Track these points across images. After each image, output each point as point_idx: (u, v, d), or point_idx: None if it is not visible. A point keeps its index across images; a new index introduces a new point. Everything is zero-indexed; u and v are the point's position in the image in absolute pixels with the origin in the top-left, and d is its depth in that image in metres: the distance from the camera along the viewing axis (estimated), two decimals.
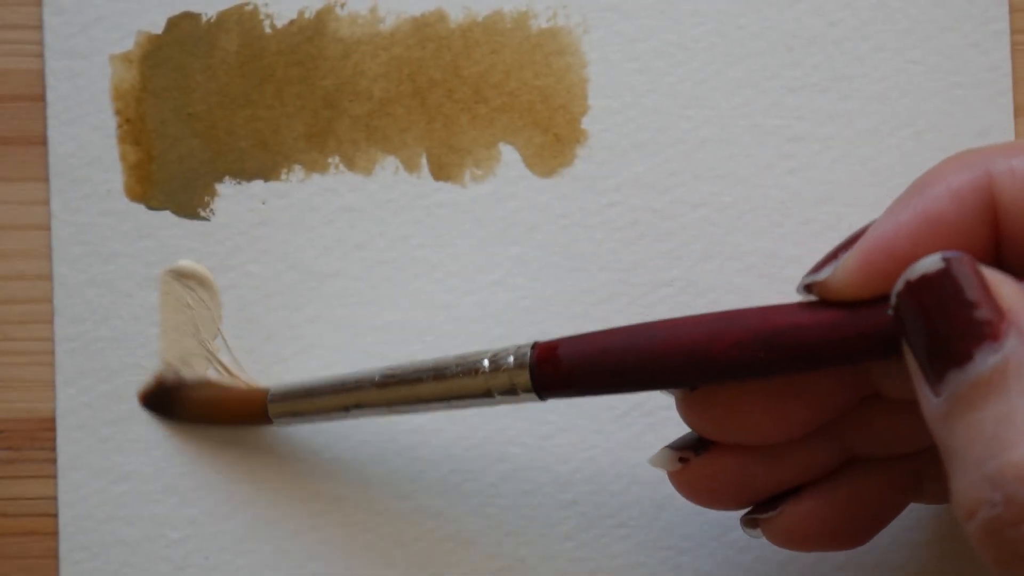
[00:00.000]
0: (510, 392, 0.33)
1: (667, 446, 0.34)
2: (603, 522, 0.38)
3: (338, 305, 0.39)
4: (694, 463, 0.33)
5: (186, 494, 0.38)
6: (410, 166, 0.39)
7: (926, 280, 0.27)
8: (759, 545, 0.38)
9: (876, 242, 0.29)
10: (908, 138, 0.39)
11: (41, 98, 0.39)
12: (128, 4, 0.39)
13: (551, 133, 0.39)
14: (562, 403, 0.38)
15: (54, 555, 0.38)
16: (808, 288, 0.31)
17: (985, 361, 0.26)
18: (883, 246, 0.29)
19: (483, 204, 0.39)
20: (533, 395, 0.32)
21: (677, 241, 0.39)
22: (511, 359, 0.33)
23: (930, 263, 0.27)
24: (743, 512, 0.34)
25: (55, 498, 0.38)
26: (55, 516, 0.38)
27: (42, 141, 0.39)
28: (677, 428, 0.38)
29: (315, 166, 0.39)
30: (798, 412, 0.32)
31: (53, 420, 0.38)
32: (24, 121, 0.39)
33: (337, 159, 0.39)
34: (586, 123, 0.39)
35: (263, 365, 0.38)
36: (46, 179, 0.39)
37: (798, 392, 0.32)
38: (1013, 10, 0.39)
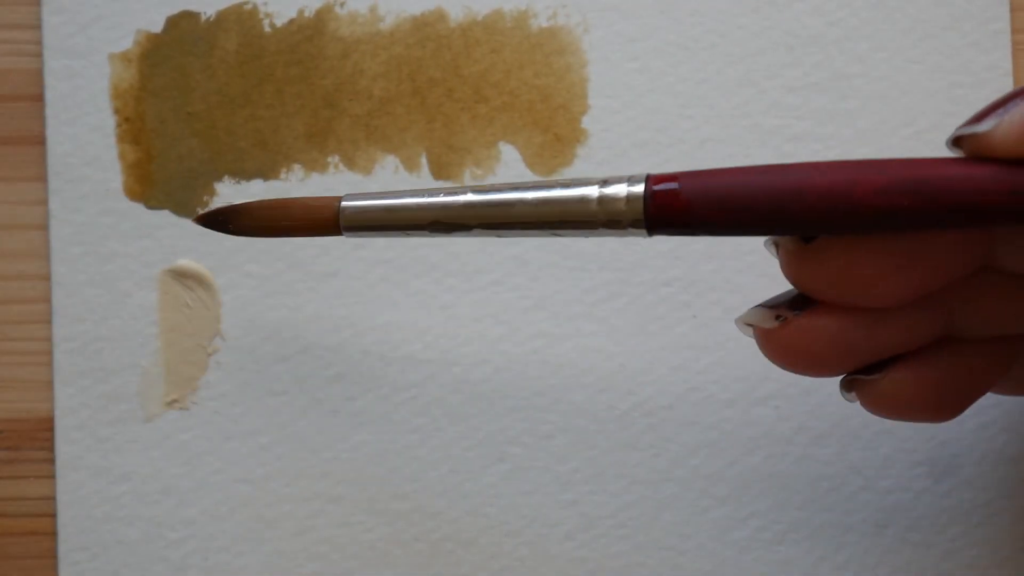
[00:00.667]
0: (616, 223, 0.30)
1: (760, 304, 0.32)
2: (603, 522, 0.38)
3: (338, 305, 0.39)
4: (792, 322, 0.31)
5: (185, 494, 0.38)
6: (410, 165, 0.39)
7: None
8: (759, 545, 0.38)
9: None
10: (908, 138, 0.39)
11: (40, 97, 0.39)
12: (127, 3, 0.39)
13: (551, 132, 0.39)
14: (561, 403, 0.38)
15: (53, 555, 0.38)
16: (958, 142, 0.29)
17: None
18: None
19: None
20: (643, 230, 0.30)
21: (677, 241, 0.39)
22: (624, 186, 0.30)
23: None
24: (840, 378, 0.33)
25: (54, 498, 0.38)
26: (54, 516, 0.38)
27: (41, 141, 0.39)
28: (677, 428, 0.38)
29: (315, 165, 0.39)
30: (915, 275, 0.30)
31: (52, 420, 0.38)
32: (23, 120, 0.39)
33: (337, 158, 0.39)
34: (586, 122, 0.39)
35: (263, 365, 0.38)
36: (45, 179, 0.39)
37: (917, 254, 0.30)
38: (1013, 10, 0.39)
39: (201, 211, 0.37)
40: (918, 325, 0.31)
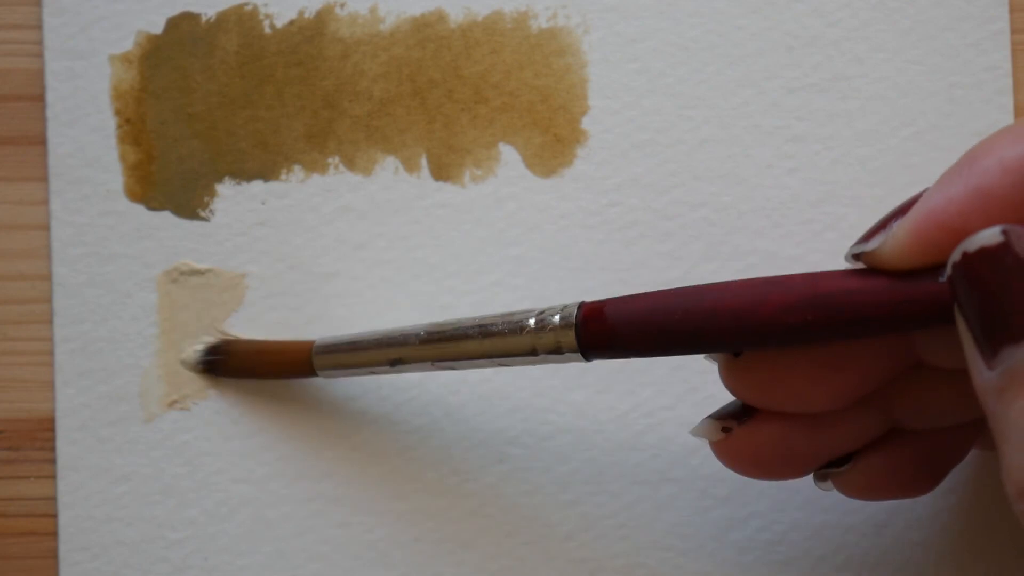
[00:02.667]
0: (555, 351, 0.32)
1: (710, 416, 0.33)
2: (603, 522, 0.38)
3: (338, 305, 0.39)
4: (737, 432, 0.33)
5: (186, 495, 0.38)
6: (410, 166, 0.39)
7: (985, 252, 0.27)
8: (759, 545, 0.38)
9: (928, 214, 0.29)
10: (908, 138, 0.39)
11: (41, 98, 0.39)
12: (128, 4, 0.39)
13: (551, 133, 0.39)
14: (561, 402, 0.38)
15: (54, 555, 0.38)
16: (856, 257, 0.30)
17: None
18: (935, 218, 0.29)
19: (483, 204, 0.39)
20: (578, 355, 0.32)
21: (677, 241, 0.39)
22: (557, 318, 0.32)
23: (989, 235, 0.27)
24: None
25: (55, 498, 0.38)
26: (55, 516, 0.38)
27: (42, 141, 0.39)
28: (677, 428, 0.38)
29: (315, 166, 0.39)
30: (843, 381, 0.31)
31: (52, 420, 0.38)
32: (24, 121, 0.39)
33: (337, 159, 0.39)
34: (586, 123, 0.39)
35: None
36: (45, 179, 0.39)
37: (843, 360, 0.31)
38: (1013, 10, 0.39)
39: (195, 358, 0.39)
40: (859, 426, 0.33)
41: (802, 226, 0.38)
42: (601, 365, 0.38)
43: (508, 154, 0.39)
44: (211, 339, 0.38)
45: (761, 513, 0.38)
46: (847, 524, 0.38)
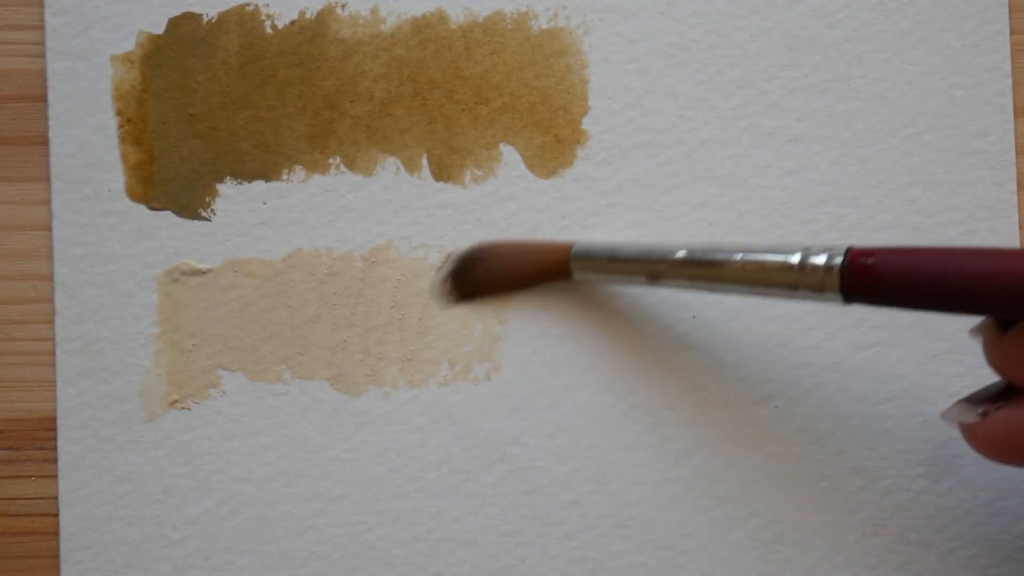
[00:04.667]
0: (815, 290, 0.33)
1: (963, 399, 0.33)
2: (603, 522, 0.38)
3: (338, 305, 0.39)
4: (993, 415, 0.32)
5: (187, 494, 0.38)
6: (411, 167, 0.39)
7: None
8: (759, 545, 0.38)
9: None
10: (908, 138, 0.39)
11: (42, 98, 0.39)
12: (129, 5, 0.39)
13: (552, 134, 0.39)
14: (561, 402, 0.38)
15: (55, 555, 0.38)
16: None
17: None
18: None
19: (483, 204, 0.39)
20: (838, 298, 0.33)
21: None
22: (823, 259, 0.33)
23: None
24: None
25: (56, 498, 0.38)
26: (56, 516, 0.38)
27: (43, 141, 0.39)
28: (677, 429, 0.38)
29: (316, 167, 0.39)
30: None
31: (54, 420, 0.38)
32: (25, 121, 0.39)
33: (338, 159, 0.39)
34: (586, 124, 0.39)
35: (263, 365, 0.39)
36: (47, 179, 0.39)
37: None
38: (1013, 10, 0.39)
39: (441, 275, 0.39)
40: None
41: (802, 226, 0.38)
42: (597, 365, 0.38)
43: (509, 154, 0.39)
44: (460, 249, 0.38)
45: (761, 513, 0.38)
46: (847, 524, 0.38)
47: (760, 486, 0.38)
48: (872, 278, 0.32)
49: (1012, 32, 0.39)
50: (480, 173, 0.39)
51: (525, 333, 0.39)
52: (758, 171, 0.39)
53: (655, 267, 0.36)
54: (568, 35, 0.39)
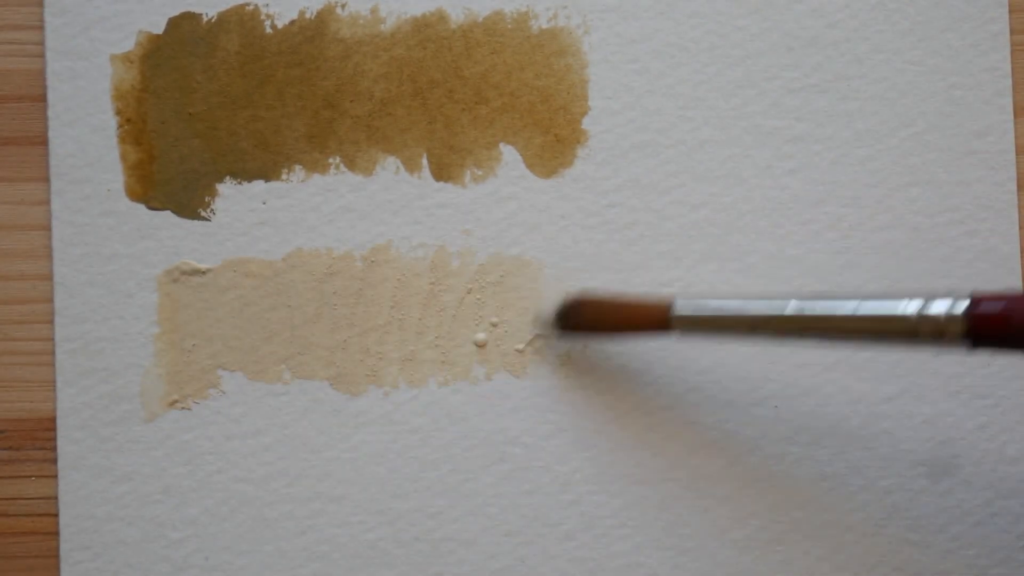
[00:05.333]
0: (936, 337, 0.32)
1: None
2: (603, 522, 0.38)
3: (338, 305, 0.39)
4: None
5: (187, 494, 0.38)
6: (411, 166, 0.39)
7: None
8: (759, 545, 0.38)
9: None
10: (908, 138, 0.39)
11: (42, 98, 0.39)
12: (129, 4, 0.39)
13: (552, 134, 0.39)
14: (561, 402, 0.38)
15: (55, 555, 0.38)
16: None
17: None
18: None
19: (483, 204, 0.39)
20: (963, 345, 0.32)
21: (677, 242, 0.39)
22: (944, 307, 0.32)
23: None
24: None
25: (56, 498, 0.38)
26: (56, 516, 0.38)
27: (43, 141, 0.39)
28: (677, 429, 0.38)
29: (316, 166, 0.39)
30: None
31: (54, 420, 0.38)
32: (25, 121, 0.39)
33: (338, 159, 0.39)
34: (586, 124, 0.39)
35: (263, 365, 0.39)
36: (47, 179, 0.39)
37: None
38: (1013, 10, 0.39)
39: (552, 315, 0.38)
40: None
41: (802, 226, 0.38)
42: (604, 366, 0.38)
43: (509, 154, 0.39)
44: (568, 296, 0.38)
45: (761, 513, 0.38)
46: (847, 524, 0.38)
47: (760, 486, 0.38)
48: (1002, 325, 0.31)
49: (1012, 32, 0.39)
50: (480, 173, 0.39)
51: (524, 334, 0.39)
52: (758, 171, 0.39)
53: (765, 322, 0.35)
54: (568, 35, 0.39)
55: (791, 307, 0.34)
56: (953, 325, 0.32)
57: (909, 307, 0.33)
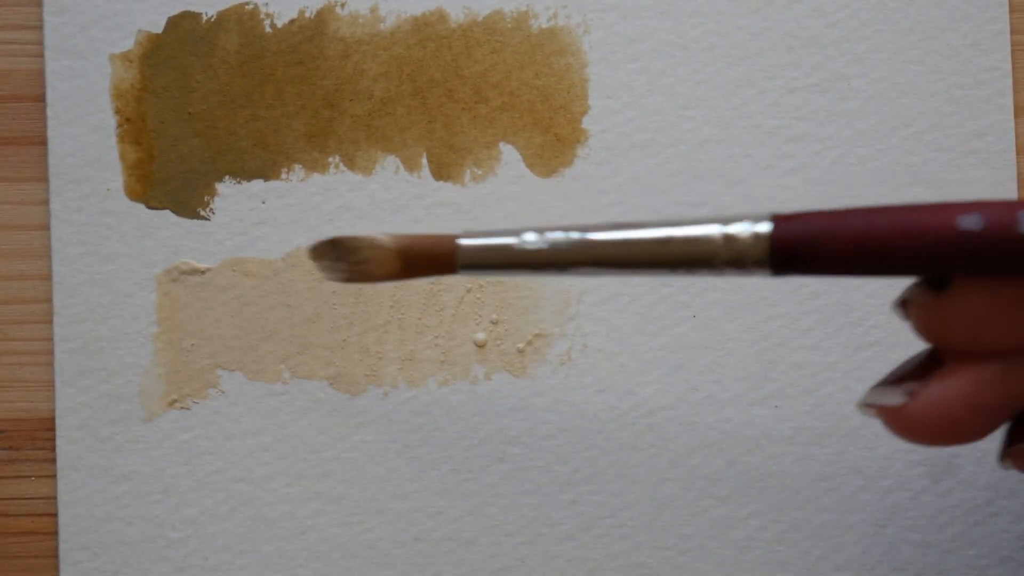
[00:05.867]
0: (737, 264, 0.29)
1: (882, 382, 0.30)
2: (603, 522, 0.38)
3: (337, 304, 0.39)
4: (922, 393, 0.29)
5: (186, 494, 0.38)
6: (410, 166, 0.39)
7: None
8: (759, 545, 0.38)
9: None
10: (908, 138, 0.39)
11: (41, 98, 0.39)
12: (128, 4, 0.39)
13: (551, 133, 0.39)
14: (561, 402, 0.38)
15: (54, 555, 0.38)
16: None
17: None
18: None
19: (483, 204, 0.39)
20: (766, 270, 0.29)
21: None
22: (746, 228, 0.29)
23: None
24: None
25: (55, 498, 0.38)
26: (55, 516, 0.38)
27: (42, 141, 0.39)
28: (677, 429, 0.38)
29: (315, 166, 0.39)
30: None
31: (53, 420, 0.38)
32: (24, 121, 0.39)
33: (337, 159, 0.39)
34: (586, 123, 0.39)
35: (263, 365, 0.38)
36: (46, 179, 0.39)
37: None
38: (1013, 10, 0.39)
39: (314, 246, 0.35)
40: None
41: None
42: (597, 365, 0.38)
43: (508, 154, 0.39)
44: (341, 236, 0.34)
45: (761, 513, 0.38)
46: (847, 524, 0.38)
47: (760, 486, 0.38)
48: (803, 244, 0.29)
49: (1012, 32, 0.39)
50: (480, 172, 0.39)
51: (522, 333, 0.39)
52: (758, 171, 0.39)
53: (561, 253, 0.31)
54: (568, 34, 0.39)
55: (590, 235, 0.31)
56: (756, 248, 0.29)
57: (711, 230, 0.30)
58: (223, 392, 0.39)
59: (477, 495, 0.38)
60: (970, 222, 0.28)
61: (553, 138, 0.39)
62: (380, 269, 0.33)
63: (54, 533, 0.38)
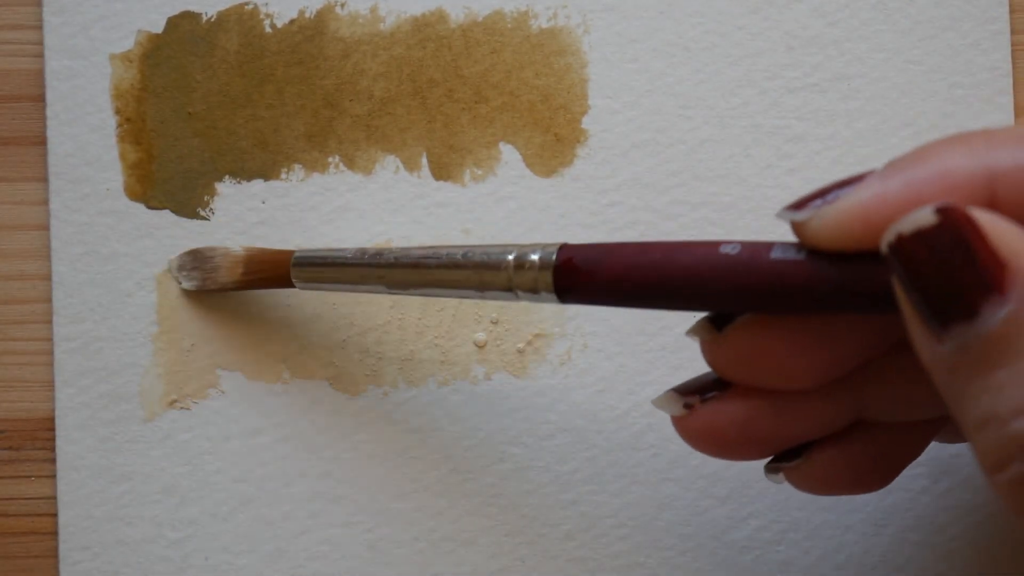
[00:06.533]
0: (531, 291, 0.32)
1: (673, 389, 0.33)
2: (603, 522, 0.38)
3: (337, 304, 0.39)
4: (699, 409, 0.32)
5: (186, 494, 0.38)
6: (410, 166, 0.39)
7: (922, 233, 0.26)
8: (759, 545, 0.38)
9: (856, 206, 0.28)
10: (908, 138, 0.39)
11: (41, 98, 0.39)
12: (128, 4, 0.39)
13: (551, 133, 0.39)
14: (561, 402, 0.38)
15: (54, 555, 0.38)
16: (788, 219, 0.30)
17: (993, 315, 0.25)
18: (862, 212, 0.28)
19: (483, 204, 0.39)
20: (554, 296, 0.32)
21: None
22: (536, 257, 0.32)
23: (924, 216, 0.26)
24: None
25: (55, 498, 0.38)
26: (55, 516, 0.38)
27: (42, 141, 0.39)
28: None
29: (315, 165, 0.39)
30: (821, 356, 0.31)
31: (53, 420, 0.38)
32: (24, 121, 0.39)
33: (337, 158, 0.39)
34: (586, 123, 0.39)
35: (262, 365, 0.38)
36: (46, 179, 0.39)
37: (823, 335, 0.31)
38: (1013, 10, 0.39)
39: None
40: (828, 412, 0.32)
41: None
42: (597, 365, 0.38)
43: (508, 153, 0.39)
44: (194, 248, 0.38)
45: (761, 513, 0.38)
46: (847, 524, 0.38)
47: (760, 486, 0.38)
48: (584, 274, 0.31)
49: (1012, 32, 0.39)
50: (480, 172, 0.39)
51: (522, 333, 0.39)
52: (758, 171, 0.39)
53: (371, 273, 0.35)
54: (568, 34, 0.39)
55: (394, 255, 0.34)
56: (543, 276, 0.32)
57: (508, 257, 0.32)
58: (223, 392, 0.39)
59: (477, 495, 0.38)
60: (730, 248, 0.30)
61: (553, 138, 0.39)
62: (227, 276, 0.38)
63: (54, 533, 0.38)
